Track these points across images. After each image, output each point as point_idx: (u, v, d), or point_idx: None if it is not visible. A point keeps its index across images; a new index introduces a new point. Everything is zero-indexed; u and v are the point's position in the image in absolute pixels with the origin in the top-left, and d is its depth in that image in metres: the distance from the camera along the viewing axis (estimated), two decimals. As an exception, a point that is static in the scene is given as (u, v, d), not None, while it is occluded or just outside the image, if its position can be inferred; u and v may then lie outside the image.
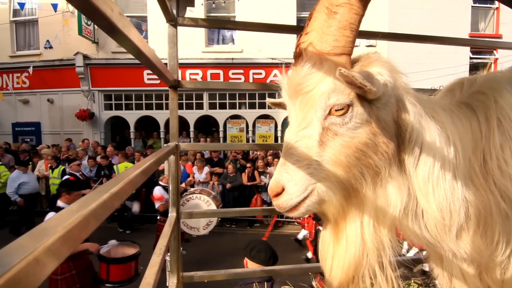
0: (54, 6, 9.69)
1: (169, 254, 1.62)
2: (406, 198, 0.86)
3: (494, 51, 11.67)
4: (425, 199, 0.86)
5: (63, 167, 8.12)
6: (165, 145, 1.64)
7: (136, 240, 7.00)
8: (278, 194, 0.86)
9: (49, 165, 8.56)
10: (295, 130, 0.87)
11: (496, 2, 11.33)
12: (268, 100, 1.13)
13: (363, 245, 0.83)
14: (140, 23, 10.64)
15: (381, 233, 0.85)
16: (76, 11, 10.24)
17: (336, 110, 0.82)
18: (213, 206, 6.21)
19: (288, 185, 0.83)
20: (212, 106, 11.32)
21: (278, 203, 0.86)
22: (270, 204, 8.39)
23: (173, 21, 1.63)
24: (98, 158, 8.63)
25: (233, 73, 10.95)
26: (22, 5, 10.18)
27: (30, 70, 10.43)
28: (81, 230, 0.44)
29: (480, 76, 1.09)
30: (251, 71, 10.94)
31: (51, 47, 10.90)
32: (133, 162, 8.43)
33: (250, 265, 2.46)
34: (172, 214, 1.66)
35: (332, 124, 0.83)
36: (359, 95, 0.82)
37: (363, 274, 0.84)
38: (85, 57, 10.59)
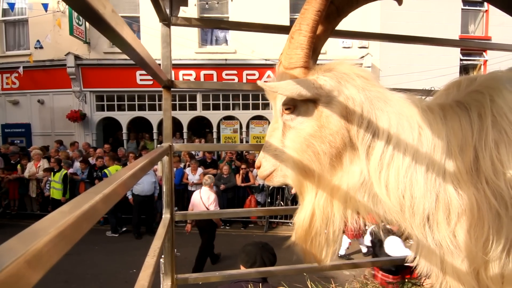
0: (45, 6, 9.55)
1: (163, 256, 1.61)
2: (360, 180, 1.00)
3: (484, 53, 11.86)
4: (377, 183, 0.98)
5: (65, 171, 7.92)
6: (158, 145, 1.63)
7: (133, 243, 6.89)
8: (259, 168, 1.21)
9: (39, 165, 8.42)
10: (271, 125, 1.18)
11: (485, 5, 11.52)
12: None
13: (312, 212, 1.04)
14: (131, 23, 10.54)
15: (333, 206, 1.03)
16: (67, 11, 10.10)
17: (285, 110, 1.07)
18: None
19: (263, 162, 1.18)
20: (205, 107, 11.28)
21: (258, 172, 1.22)
22: (264, 205, 8.39)
23: (167, 20, 1.61)
24: (91, 160, 8.50)
25: (226, 74, 10.93)
26: (12, 5, 10.00)
27: (21, 70, 10.25)
28: (73, 231, 0.43)
29: (481, 75, 1.10)
30: (245, 72, 10.93)
31: (41, 47, 10.72)
32: (126, 164, 8.29)
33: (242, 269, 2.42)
34: (166, 216, 1.65)
35: (286, 120, 1.08)
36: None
37: (315, 236, 1.06)
38: (77, 57, 10.46)
